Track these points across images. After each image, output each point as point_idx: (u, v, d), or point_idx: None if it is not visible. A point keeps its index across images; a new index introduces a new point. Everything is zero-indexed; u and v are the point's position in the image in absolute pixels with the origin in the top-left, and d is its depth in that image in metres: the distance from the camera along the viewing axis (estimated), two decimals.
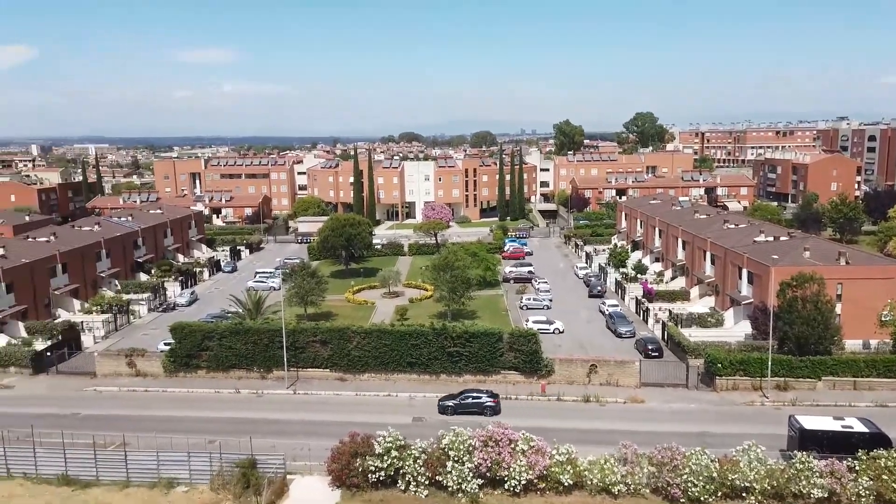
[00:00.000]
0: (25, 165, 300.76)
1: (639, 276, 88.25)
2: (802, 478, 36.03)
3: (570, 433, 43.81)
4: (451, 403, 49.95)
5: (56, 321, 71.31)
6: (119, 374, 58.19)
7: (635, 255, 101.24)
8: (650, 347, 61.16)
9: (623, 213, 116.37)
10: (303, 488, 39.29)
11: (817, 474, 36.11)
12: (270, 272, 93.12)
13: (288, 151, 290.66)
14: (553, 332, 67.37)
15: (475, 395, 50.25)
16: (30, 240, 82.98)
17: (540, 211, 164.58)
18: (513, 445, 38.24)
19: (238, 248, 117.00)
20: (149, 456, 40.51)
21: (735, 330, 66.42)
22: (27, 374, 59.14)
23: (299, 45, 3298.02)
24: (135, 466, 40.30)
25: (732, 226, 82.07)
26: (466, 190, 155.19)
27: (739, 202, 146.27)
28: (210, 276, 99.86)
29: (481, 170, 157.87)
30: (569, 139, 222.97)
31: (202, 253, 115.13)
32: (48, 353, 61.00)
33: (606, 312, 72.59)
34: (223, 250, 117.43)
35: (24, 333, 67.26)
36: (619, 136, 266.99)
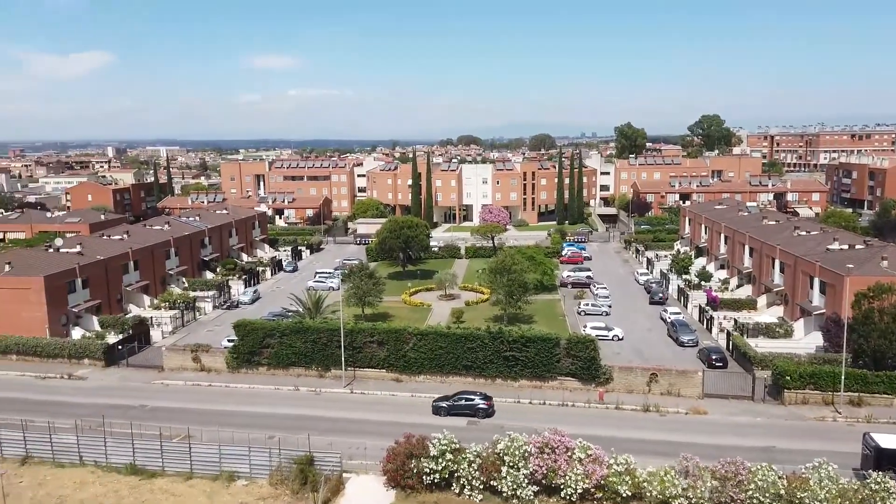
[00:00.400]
0: (102, 166, 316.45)
1: (703, 283, 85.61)
2: (878, 499, 34.10)
3: (628, 443, 42.87)
4: (444, 405, 50.11)
5: (127, 316, 74.40)
6: (185, 368, 60.24)
7: (699, 262, 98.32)
8: (714, 357, 59.19)
9: (687, 219, 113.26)
10: (358, 487, 39.69)
11: (895, 496, 34.12)
12: (330, 272, 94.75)
13: (348, 154, 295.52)
14: (612, 339, 66.10)
15: (468, 396, 50.38)
16: (105, 238, 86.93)
17: (599, 215, 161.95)
18: (569, 453, 37.62)
19: (299, 248, 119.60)
20: (211, 449, 41.69)
21: (805, 341, 63.58)
22: (100, 366, 61.89)
23: (362, 50, 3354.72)
24: (198, 459, 41.56)
25: (803, 233, 78.60)
26: (524, 193, 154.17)
27: (811, 208, 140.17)
28: (272, 275, 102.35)
29: (540, 173, 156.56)
30: (630, 142, 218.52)
31: (265, 253, 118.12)
32: (119, 347, 63.71)
33: (668, 320, 70.71)
34: (285, 250, 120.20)
35: (97, 327, 70.43)
36: (683, 140, 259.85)
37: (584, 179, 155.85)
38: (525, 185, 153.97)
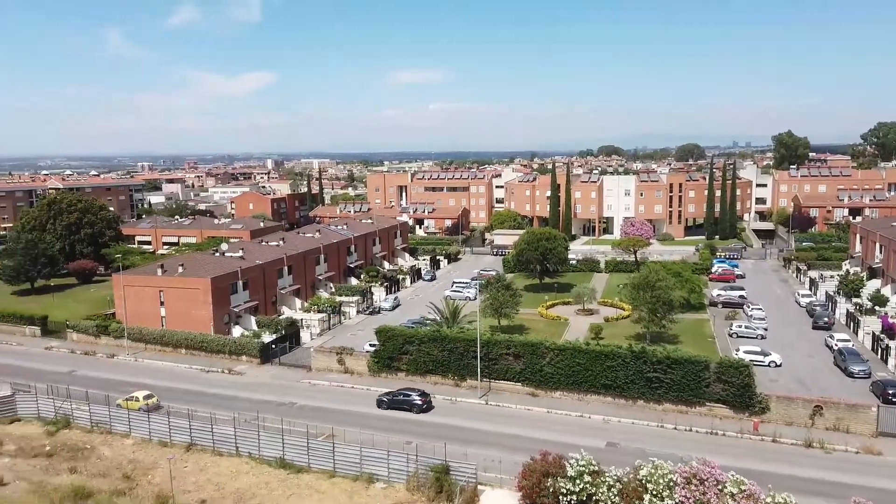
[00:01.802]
0: (262, 177, 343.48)
1: (877, 308, 76.64)
2: None
3: (786, 480, 39.10)
4: (385, 399, 54.16)
5: (281, 317, 79.53)
6: (330, 369, 63.20)
7: (872, 284, 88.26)
8: (890, 391, 52.51)
9: (858, 236, 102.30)
10: (492, 501, 39.30)
11: None
12: (467, 282, 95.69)
13: (487, 165, 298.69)
14: (768, 365, 60.86)
15: (406, 393, 53.93)
16: (263, 244, 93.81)
17: (754, 230, 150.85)
18: (720, 486, 34.78)
19: (437, 258, 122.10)
20: (353, 450, 43.19)
21: None
22: (255, 363, 66.55)
23: (502, 63, 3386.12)
24: (341, 458, 43.20)
25: None
26: (670, 206, 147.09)
27: None
28: (411, 283, 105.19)
29: (687, 185, 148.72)
30: (791, 152, 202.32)
31: (405, 261, 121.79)
32: (273, 346, 68.18)
33: (835, 347, 63.93)
34: (424, 259, 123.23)
35: (254, 326, 75.91)
36: (853, 149, 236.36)
37: (738, 192, 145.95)
38: (671, 197, 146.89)
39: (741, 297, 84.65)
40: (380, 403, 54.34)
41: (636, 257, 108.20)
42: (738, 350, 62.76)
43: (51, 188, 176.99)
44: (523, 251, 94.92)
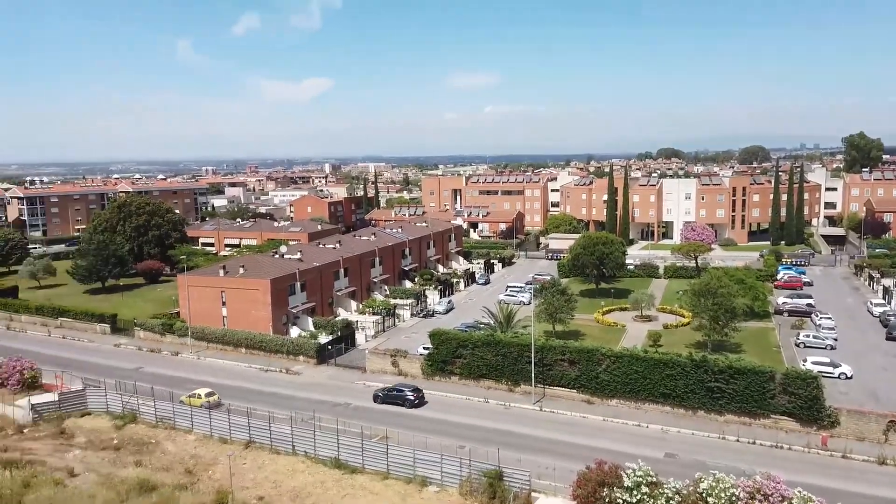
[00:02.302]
0: (320, 181, 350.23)
1: None
2: None
3: (857, 498, 37.42)
4: (380, 394, 56.67)
5: (336, 319, 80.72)
6: (384, 371, 63.72)
7: None
8: None
9: None
10: None
11: None
12: (521, 287, 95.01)
13: (542, 169, 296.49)
14: (838, 377, 58.13)
15: (400, 389, 56.47)
16: (320, 246, 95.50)
17: (823, 236, 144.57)
18: (785, 503, 33.41)
19: (491, 261, 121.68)
20: (406, 452, 43.35)
21: None
22: (312, 363, 67.71)
23: (557, 65, 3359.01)
24: (394, 460, 43.44)
25: None
26: (733, 210, 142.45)
27: None
28: (465, 287, 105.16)
29: (751, 188, 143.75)
30: (863, 154, 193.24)
31: (459, 265, 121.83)
32: (329, 347, 69.26)
33: None
34: (478, 263, 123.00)
35: (311, 327, 77.27)
36: None
37: (805, 196, 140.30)
38: (734, 201, 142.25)
39: (809, 305, 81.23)
40: (375, 398, 56.84)
41: (697, 263, 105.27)
42: (805, 361, 60.20)
43: (121, 191, 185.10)
44: (579, 255, 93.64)
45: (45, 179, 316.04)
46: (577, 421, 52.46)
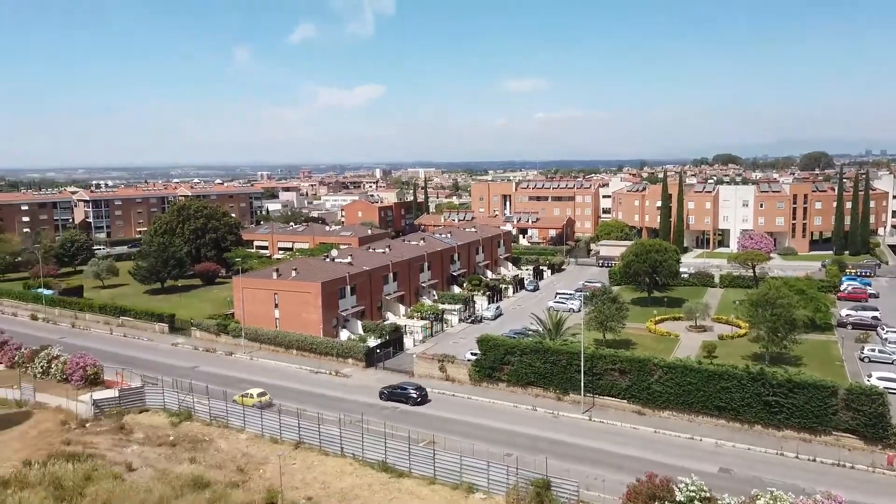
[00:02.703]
0: (370, 186, 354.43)
1: None
2: None
3: None
4: (386, 391, 59.13)
5: (385, 323, 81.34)
6: (431, 376, 63.81)
7: None
8: None
9: None
10: None
11: None
12: (571, 294, 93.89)
13: (593, 174, 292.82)
14: None
15: (403, 387, 58.94)
16: (370, 250, 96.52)
17: (890, 246, 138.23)
18: None
19: (541, 268, 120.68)
20: (453, 457, 43.24)
21: None
22: (361, 366, 68.36)
23: (609, 69, 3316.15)
24: (441, 465, 43.37)
25: None
26: (793, 218, 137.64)
27: None
28: (513, 293, 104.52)
29: (813, 196, 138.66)
30: None
31: (508, 271, 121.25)
32: (378, 351, 69.82)
33: None
34: (527, 269, 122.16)
35: (360, 331, 78.07)
36: None
37: (871, 203, 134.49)
38: (795, 209, 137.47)
39: (874, 318, 77.68)
40: (381, 395, 59.24)
41: (755, 272, 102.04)
42: (870, 376, 57.61)
43: (180, 195, 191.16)
44: (631, 263, 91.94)
45: (110, 183, 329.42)
46: (627, 432, 51.40)
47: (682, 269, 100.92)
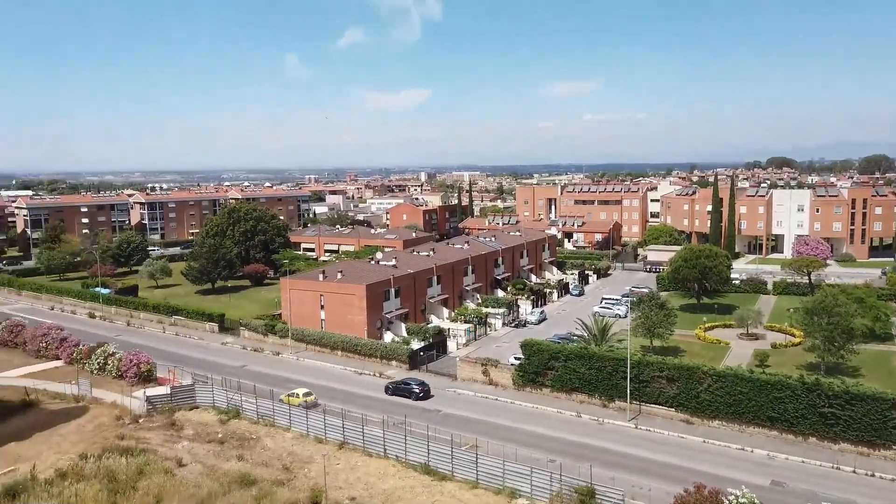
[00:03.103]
0: (415, 189, 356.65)
1: None
2: None
3: None
4: (391, 386, 61.47)
5: (429, 325, 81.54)
6: (475, 380, 63.67)
7: None
8: None
9: None
10: None
11: None
12: (617, 299, 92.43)
13: (641, 178, 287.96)
14: None
15: (407, 382, 60.98)
16: (414, 253, 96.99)
17: None
18: None
19: (586, 272, 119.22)
20: (496, 462, 43.00)
21: None
22: (404, 368, 68.66)
23: (658, 71, 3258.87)
24: (483, 469, 43.16)
25: None
26: (852, 224, 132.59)
27: None
28: (558, 297, 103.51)
29: (873, 200, 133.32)
30: None
31: (552, 275, 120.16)
32: (421, 353, 70.05)
33: None
34: (572, 274, 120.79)
35: (404, 333, 78.46)
36: None
37: None
38: (853, 214, 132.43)
39: None
40: (386, 389, 61.51)
41: (810, 279, 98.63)
42: None
43: (231, 198, 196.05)
44: (680, 268, 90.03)
45: (165, 186, 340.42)
46: (674, 441, 50.26)
47: (733, 276, 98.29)
